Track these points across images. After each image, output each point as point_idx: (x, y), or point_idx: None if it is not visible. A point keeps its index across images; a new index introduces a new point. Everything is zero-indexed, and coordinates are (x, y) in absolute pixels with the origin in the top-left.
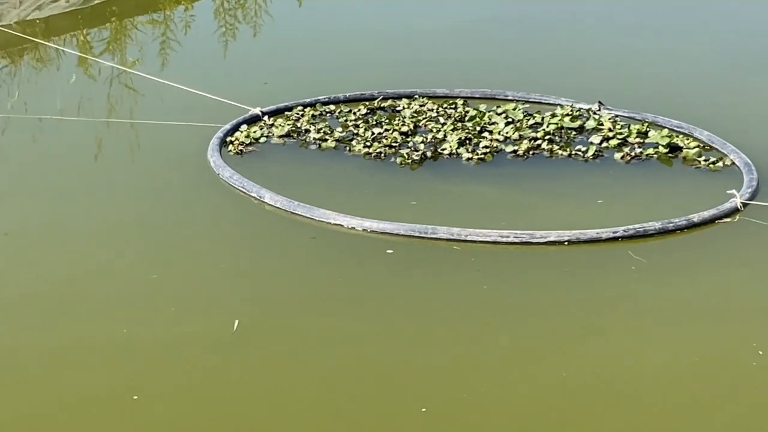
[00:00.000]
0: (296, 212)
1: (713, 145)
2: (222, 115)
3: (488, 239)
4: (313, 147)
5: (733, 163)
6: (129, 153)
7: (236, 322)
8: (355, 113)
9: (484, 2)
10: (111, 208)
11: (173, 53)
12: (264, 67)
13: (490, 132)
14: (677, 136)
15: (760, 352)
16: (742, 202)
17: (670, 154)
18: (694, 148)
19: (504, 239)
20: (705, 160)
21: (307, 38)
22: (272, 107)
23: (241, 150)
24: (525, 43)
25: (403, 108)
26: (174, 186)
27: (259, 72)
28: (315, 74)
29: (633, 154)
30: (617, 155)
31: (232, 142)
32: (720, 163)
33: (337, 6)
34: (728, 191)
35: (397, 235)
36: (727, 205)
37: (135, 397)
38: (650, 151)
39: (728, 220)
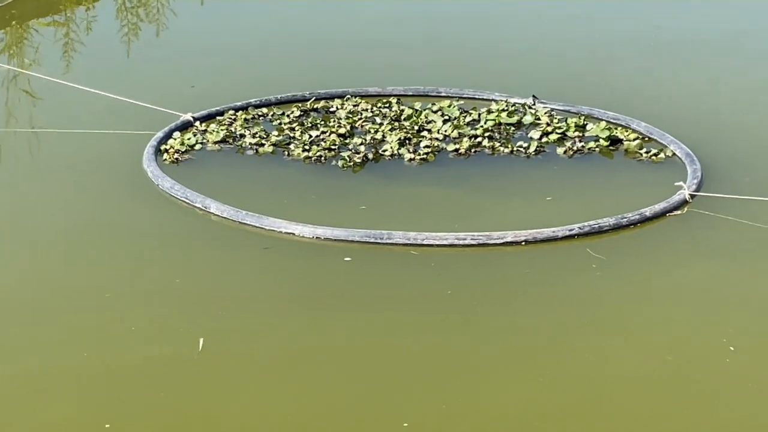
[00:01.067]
0: (245, 222)
1: (652, 137)
2: (147, 122)
3: (445, 242)
4: (250, 152)
5: (674, 154)
6: (56, 164)
7: (201, 340)
8: (288, 116)
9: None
10: (48, 222)
11: (78, 55)
12: (181, 69)
13: (429, 131)
14: (616, 129)
15: (732, 348)
16: (690, 194)
17: (611, 147)
18: (635, 140)
19: (461, 242)
20: (646, 152)
21: (219, 38)
22: (204, 112)
23: (176, 158)
24: (451, 38)
25: (337, 109)
26: (111, 199)
27: (176, 74)
28: (237, 76)
29: (575, 148)
30: (560, 150)
31: (166, 150)
32: (662, 155)
33: (240, 4)
34: (676, 183)
35: (352, 241)
36: (676, 198)
37: (107, 426)
38: (591, 144)
39: (678, 212)
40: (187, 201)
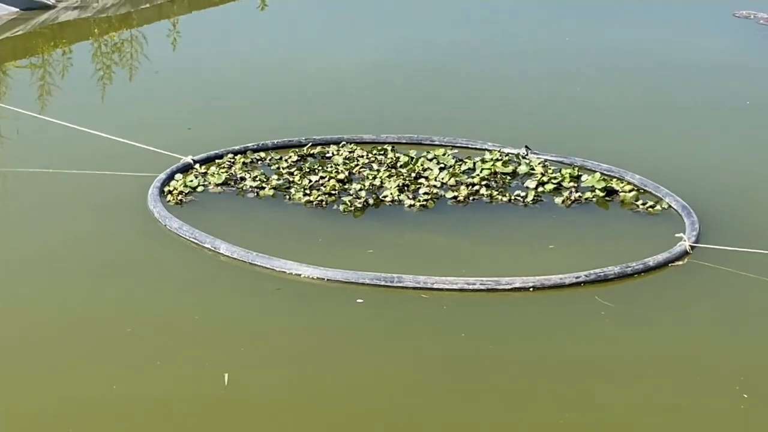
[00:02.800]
0: (255, 263)
1: (647, 189)
2: (142, 164)
3: (455, 287)
4: (251, 195)
5: (670, 206)
6: (61, 206)
7: (226, 376)
8: (286, 160)
9: (385, 45)
10: (62, 263)
11: (58, 97)
12: (172, 112)
13: (426, 178)
14: (611, 180)
15: (745, 395)
16: (690, 245)
17: (607, 198)
18: (631, 191)
19: (470, 286)
20: (642, 204)
21: (201, 83)
22: (203, 155)
23: (180, 200)
24: (446, 87)
25: (333, 154)
26: (120, 239)
27: (172, 118)
28: (227, 120)
29: (572, 198)
30: (558, 200)
31: (170, 192)
32: (658, 207)
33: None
34: (676, 235)
35: (362, 284)
36: (677, 249)
37: None
38: (588, 194)
39: (680, 263)
40: (196, 241)
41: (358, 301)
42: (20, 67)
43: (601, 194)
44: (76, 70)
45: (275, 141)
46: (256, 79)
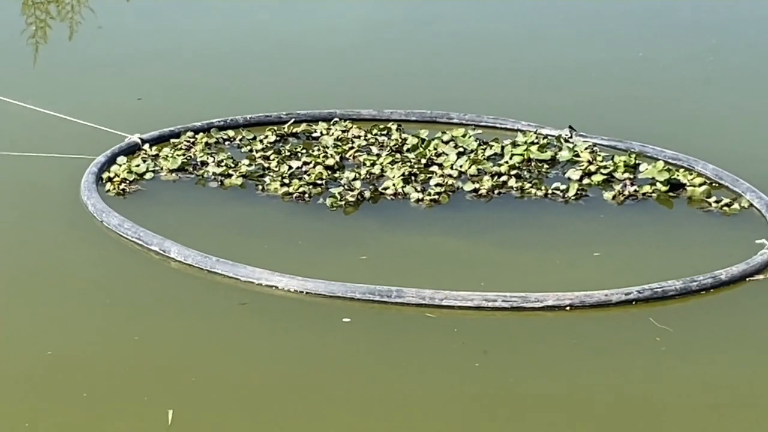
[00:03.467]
0: (214, 270)
1: (722, 182)
2: (81, 143)
3: (470, 304)
4: (214, 184)
5: (751, 204)
6: None
7: (170, 413)
8: (261, 141)
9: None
10: None
11: None
12: (114, 79)
13: (440, 165)
14: (677, 171)
15: None
16: None
17: (670, 194)
18: (701, 185)
19: (490, 304)
20: (716, 201)
21: (157, 43)
22: (154, 133)
23: (123, 189)
24: (463, 54)
25: (322, 134)
26: (45, 238)
27: (110, 87)
28: (191, 89)
29: (626, 193)
30: (607, 195)
31: (110, 179)
32: (735, 205)
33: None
34: (757, 241)
35: (352, 299)
36: (758, 259)
37: None
38: (646, 189)
39: (760, 276)
40: (141, 242)
41: (345, 320)
42: None
43: (664, 188)
44: (1, 26)
45: (248, 117)
46: (229, 39)
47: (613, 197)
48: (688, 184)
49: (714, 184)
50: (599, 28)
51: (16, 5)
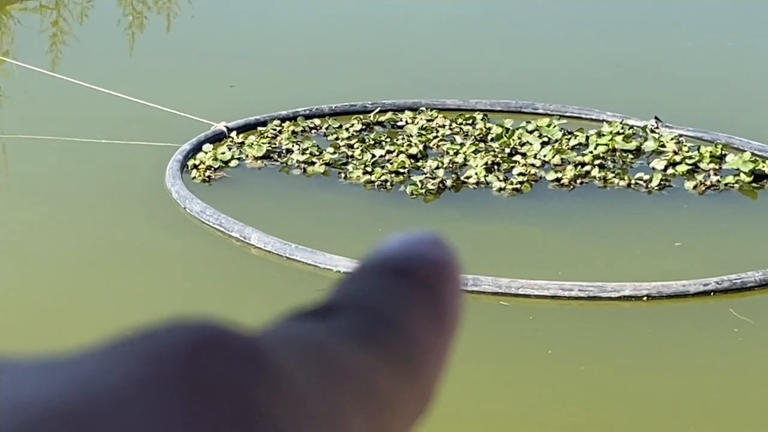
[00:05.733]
0: (293, 257)
1: None
2: (168, 132)
3: (546, 293)
4: (297, 172)
5: None
6: (65, 181)
7: None
8: (347, 129)
9: None
10: (54, 250)
11: (74, 49)
12: (206, 69)
13: (523, 155)
14: (763, 162)
15: None
16: None
17: (754, 184)
18: None
19: (566, 293)
20: None
21: (250, 33)
22: (240, 121)
23: (208, 176)
24: (553, 44)
25: (407, 123)
26: (129, 223)
27: (201, 75)
28: (281, 78)
29: (708, 183)
30: (689, 184)
31: (195, 167)
32: None
33: None
34: None
35: None
36: None
37: None
38: (730, 179)
39: None
40: (222, 229)
41: None
42: (27, 12)
43: (748, 179)
44: (98, 16)
45: (333, 106)
46: (317, 29)
47: (695, 187)
48: None
49: None
50: (687, 17)
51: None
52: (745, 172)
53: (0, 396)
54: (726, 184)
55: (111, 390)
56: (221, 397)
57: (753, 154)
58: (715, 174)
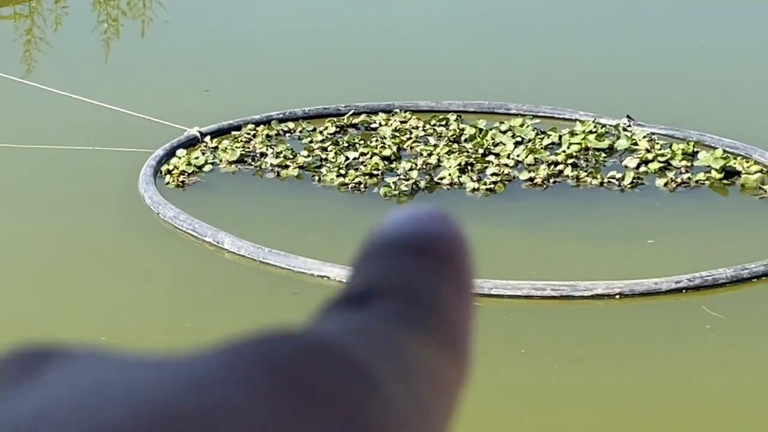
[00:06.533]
0: (268, 261)
1: None
2: (141, 137)
3: (519, 293)
4: (271, 175)
5: None
6: (38, 188)
7: None
8: (321, 132)
9: None
10: (27, 257)
11: (48, 56)
12: (181, 74)
13: (497, 155)
14: (734, 158)
15: None
16: None
17: (725, 181)
18: (756, 173)
19: (539, 293)
20: None
21: (224, 37)
22: (213, 126)
23: (182, 181)
24: (525, 45)
25: (380, 125)
26: (102, 229)
27: (175, 81)
28: (255, 82)
29: (679, 180)
30: (660, 182)
31: (169, 172)
32: None
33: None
34: None
35: None
36: None
37: None
38: (700, 176)
39: None
40: (196, 234)
41: None
42: (1, 19)
43: (719, 176)
44: (73, 23)
45: (307, 109)
46: (289, 34)
47: (666, 184)
48: (743, 171)
49: None
50: (658, 16)
51: (86, 3)
52: (716, 169)
53: (122, 393)
54: (697, 182)
55: (227, 395)
56: (333, 409)
57: (724, 150)
58: (687, 171)
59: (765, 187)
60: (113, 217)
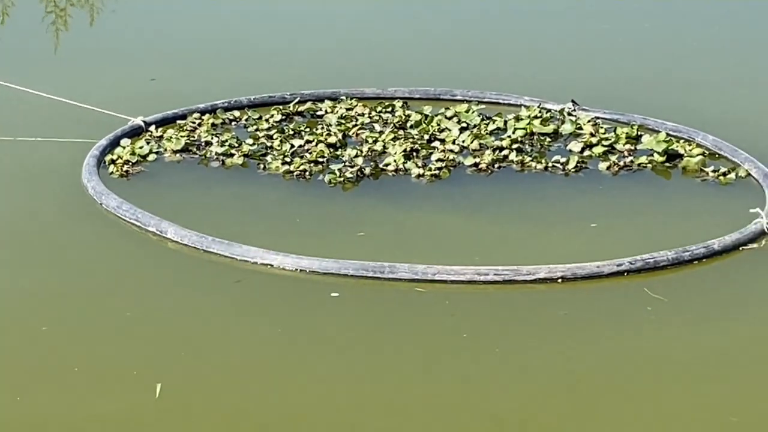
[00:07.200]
0: (211, 250)
1: (721, 153)
2: (86, 128)
3: (462, 278)
4: (216, 164)
5: (749, 174)
6: None
7: (159, 386)
8: (267, 120)
9: None
10: None
11: None
12: (126, 65)
13: (442, 141)
14: (677, 142)
15: None
16: None
17: (667, 164)
18: (697, 156)
19: (482, 278)
20: (713, 171)
21: (171, 28)
22: (158, 115)
23: (126, 171)
24: (467, 33)
25: (326, 112)
26: (45, 220)
27: (121, 72)
28: (201, 71)
29: (622, 163)
30: (602, 165)
31: (113, 162)
32: (731, 175)
33: None
34: (751, 210)
35: (346, 275)
36: (752, 228)
37: None
38: (643, 159)
39: (754, 245)
40: (139, 224)
41: (333, 294)
42: None
43: (661, 159)
44: (20, 14)
45: (252, 98)
46: (236, 22)
47: (608, 168)
48: (685, 154)
49: (715, 155)
50: (602, 2)
51: None
52: (658, 152)
53: None
54: (640, 165)
55: None
56: None
57: (668, 134)
58: (630, 155)
59: (706, 169)
60: (56, 208)
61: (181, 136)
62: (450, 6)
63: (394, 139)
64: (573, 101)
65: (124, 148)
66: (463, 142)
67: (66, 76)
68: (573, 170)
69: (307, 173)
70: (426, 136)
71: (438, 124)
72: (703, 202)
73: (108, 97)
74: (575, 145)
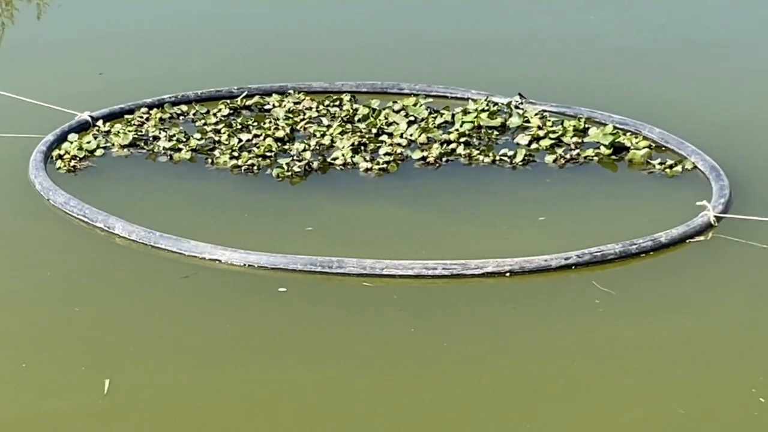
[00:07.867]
0: (158, 245)
1: (668, 145)
2: (33, 123)
3: (410, 272)
4: (164, 159)
5: (695, 166)
6: None
7: (107, 382)
8: (215, 115)
9: None
10: None
11: None
12: (74, 58)
13: (390, 135)
14: (624, 134)
15: (762, 400)
16: (715, 216)
17: (613, 156)
18: (643, 148)
19: (430, 272)
20: (660, 163)
21: (120, 22)
22: (105, 110)
23: (74, 166)
24: (414, 27)
25: (274, 106)
26: None
27: (69, 66)
28: (149, 65)
29: (569, 156)
30: (549, 158)
31: (60, 157)
32: (678, 167)
33: None
34: (697, 203)
35: (294, 270)
36: (699, 221)
37: None
38: (589, 152)
39: (701, 238)
40: (87, 219)
41: (281, 290)
42: None
43: (607, 152)
44: None
45: (199, 92)
46: (182, 17)
47: (555, 161)
48: (632, 147)
49: (661, 148)
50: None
51: None
52: (605, 145)
53: None
54: (586, 158)
55: None
56: None
57: (615, 127)
58: (577, 148)
59: (653, 162)
60: (2, 204)
61: (129, 131)
62: (396, 1)
63: (342, 133)
64: (520, 94)
65: (71, 143)
66: (411, 135)
67: (12, 70)
68: (520, 163)
69: (255, 168)
70: (374, 130)
71: (386, 118)
72: (650, 194)
73: (55, 92)
74: (522, 138)
